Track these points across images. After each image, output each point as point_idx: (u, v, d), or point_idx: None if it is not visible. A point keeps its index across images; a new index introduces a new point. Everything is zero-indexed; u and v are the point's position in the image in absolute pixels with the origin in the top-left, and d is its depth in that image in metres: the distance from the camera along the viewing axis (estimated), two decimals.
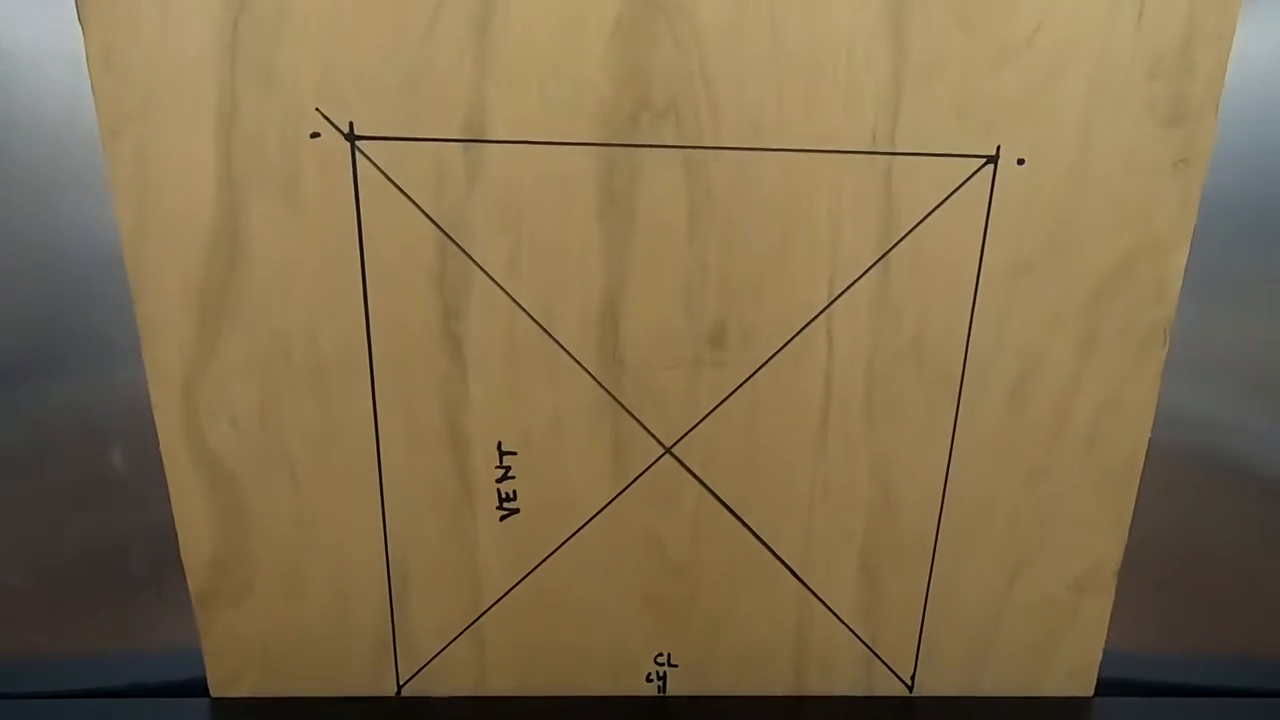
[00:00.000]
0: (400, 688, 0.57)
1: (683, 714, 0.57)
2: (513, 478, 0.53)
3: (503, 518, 0.54)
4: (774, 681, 0.59)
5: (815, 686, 0.59)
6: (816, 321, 0.50)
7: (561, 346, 0.50)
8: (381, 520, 0.53)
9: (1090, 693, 0.60)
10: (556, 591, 0.55)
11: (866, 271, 0.49)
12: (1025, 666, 0.59)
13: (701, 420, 0.52)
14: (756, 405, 0.52)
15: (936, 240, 0.49)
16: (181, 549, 0.53)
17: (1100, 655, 0.59)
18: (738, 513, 0.54)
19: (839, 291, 0.49)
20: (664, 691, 0.59)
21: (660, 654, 0.58)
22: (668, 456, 0.53)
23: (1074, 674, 0.59)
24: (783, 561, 0.55)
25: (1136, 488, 0.55)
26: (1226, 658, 0.64)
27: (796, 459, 0.53)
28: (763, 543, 0.55)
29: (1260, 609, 0.64)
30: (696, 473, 0.53)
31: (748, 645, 0.57)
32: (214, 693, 0.57)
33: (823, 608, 0.57)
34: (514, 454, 0.52)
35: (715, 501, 0.54)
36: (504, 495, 0.53)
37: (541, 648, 0.57)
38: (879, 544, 0.55)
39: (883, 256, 0.49)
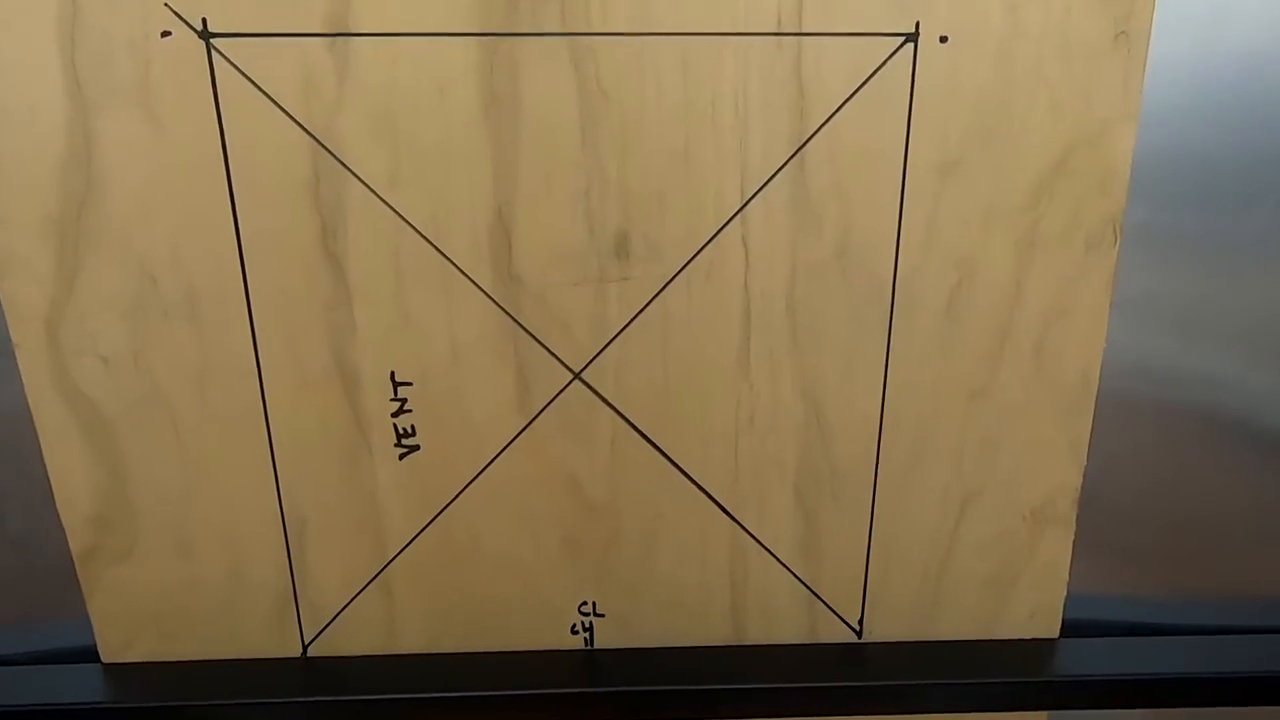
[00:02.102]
0: (305, 648, 0.54)
1: (613, 667, 0.53)
2: (409, 411, 0.49)
3: (402, 456, 0.50)
4: (711, 630, 0.54)
5: (755, 634, 0.55)
6: (729, 229, 0.46)
7: (453, 263, 0.46)
8: (271, 465, 0.49)
9: (1055, 633, 0.56)
10: (467, 537, 0.51)
11: (779, 170, 0.45)
12: (982, 607, 0.55)
13: (611, 342, 0.48)
14: (669, 324, 0.47)
15: (856, 133, 0.44)
16: (58, 504, 0.49)
17: (1064, 593, 0.55)
18: (658, 444, 0.50)
19: (751, 194, 0.45)
20: (591, 644, 0.54)
21: (585, 603, 0.54)
22: (577, 383, 0.49)
23: (1036, 613, 0.55)
24: (710, 496, 0.51)
25: (1092, 406, 0.50)
26: (1203, 596, 0.60)
27: (718, 382, 0.49)
28: (687, 476, 0.51)
29: (1236, 546, 0.60)
30: (610, 400, 0.49)
31: (680, 591, 0.53)
32: (105, 658, 0.53)
33: (758, 548, 0.53)
34: (409, 385, 0.48)
35: (633, 432, 0.50)
36: (401, 431, 0.49)
37: (455, 599, 0.53)
38: (814, 475, 0.51)
39: (797, 153, 0.44)
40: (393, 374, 0.48)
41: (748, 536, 0.52)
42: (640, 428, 0.50)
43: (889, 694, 0.53)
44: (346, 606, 0.53)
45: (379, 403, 0.48)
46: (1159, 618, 0.58)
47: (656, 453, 0.50)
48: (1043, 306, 0.48)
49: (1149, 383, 0.53)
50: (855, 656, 0.54)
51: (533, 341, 0.47)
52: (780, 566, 0.53)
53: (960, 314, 0.48)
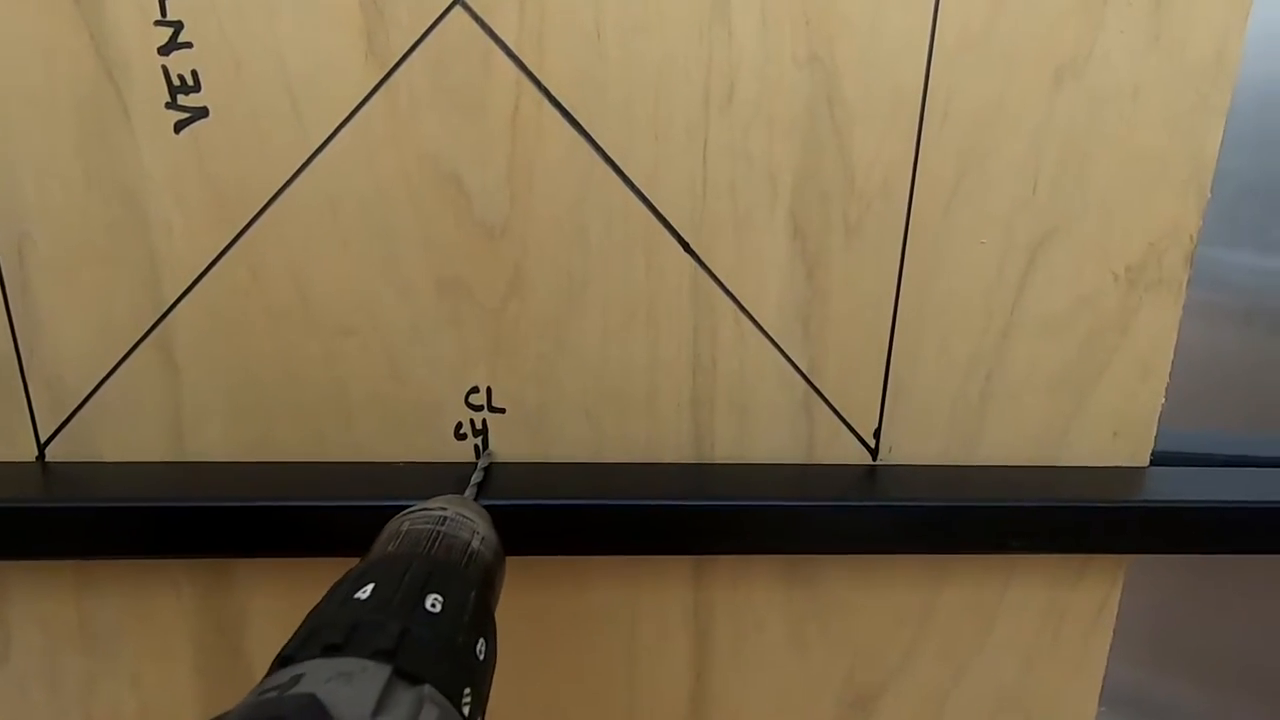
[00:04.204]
0: (42, 449, 0.36)
1: (518, 484, 0.36)
2: (187, 45, 0.31)
3: (180, 125, 0.32)
4: (659, 437, 0.37)
5: (725, 448, 0.37)
6: None
7: None
8: None
9: (1144, 461, 0.40)
10: (286, 270, 0.33)
11: None
12: (1047, 416, 0.38)
13: None
14: None
15: None
16: None
17: (1162, 398, 0.39)
18: (584, 125, 0.33)
19: None
20: (483, 453, 0.37)
21: (474, 389, 0.36)
22: (459, 13, 0.31)
23: (1122, 430, 0.39)
24: (662, 218, 0.34)
25: (1228, 99, 0.35)
26: None
27: (678, 24, 0.32)
28: (627, 181, 0.33)
29: None
30: (510, 45, 0.32)
31: (614, 372, 0.36)
32: None
33: (732, 308, 0.35)
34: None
35: (546, 103, 0.33)
36: (177, 81, 0.31)
37: (273, 376, 0.35)
38: (820, 191, 0.34)
39: None
40: None
41: (717, 289, 0.35)
42: (557, 96, 0.33)
43: (911, 528, 0.37)
44: (102, 385, 0.35)
45: (137, 29, 0.31)
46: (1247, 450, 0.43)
47: (581, 139, 0.33)
48: None
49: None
50: (868, 485, 0.38)
51: None
52: (765, 341, 0.36)
53: None
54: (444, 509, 0.26)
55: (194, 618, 0.38)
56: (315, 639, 0.19)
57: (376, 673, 0.18)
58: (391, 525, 0.26)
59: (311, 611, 0.21)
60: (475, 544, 0.25)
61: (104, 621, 0.38)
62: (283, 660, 0.19)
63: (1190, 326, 0.37)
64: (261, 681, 0.18)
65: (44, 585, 0.37)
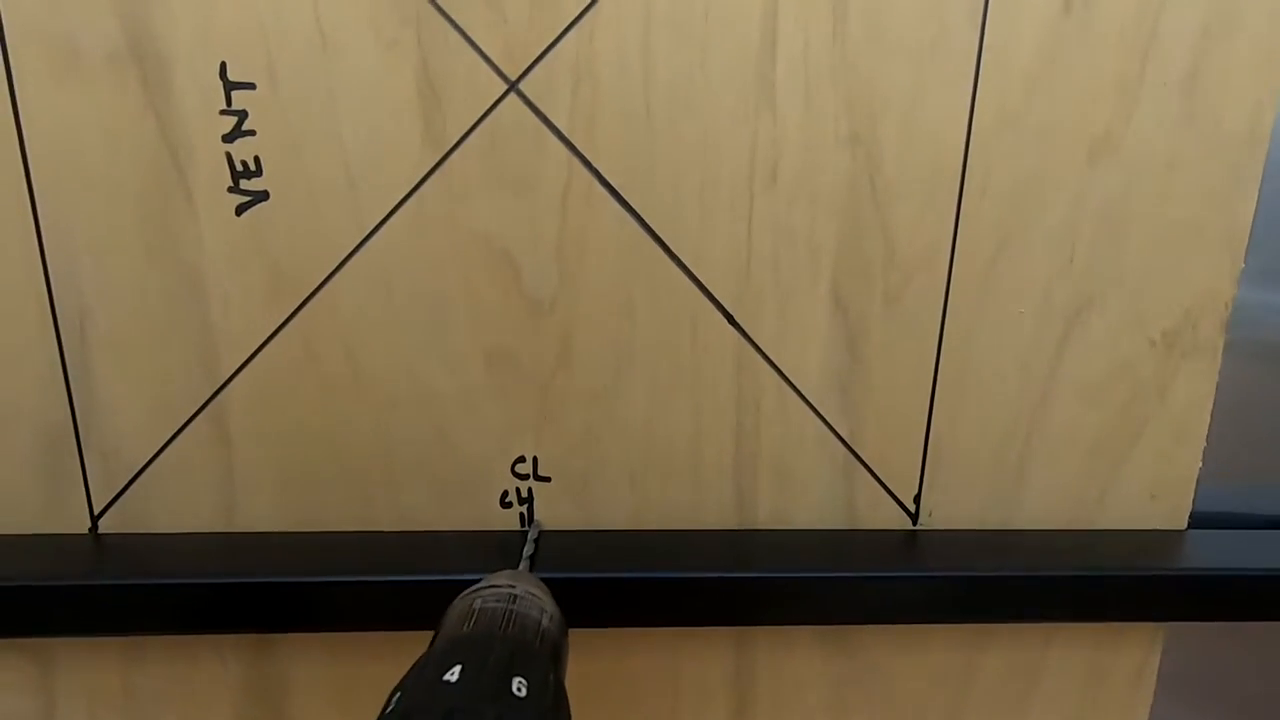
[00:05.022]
0: (96, 521, 0.36)
1: (566, 553, 0.36)
2: (250, 134, 0.32)
3: (241, 208, 0.33)
4: (703, 504, 0.37)
5: (767, 514, 0.38)
6: None
7: None
8: (33, 216, 0.32)
9: (1182, 524, 0.40)
10: (339, 346, 0.34)
11: None
12: (1085, 478, 0.38)
13: (566, 32, 0.32)
14: (653, 9, 0.32)
15: None
16: None
17: (1199, 460, 0.39)
18: (632, 205, 0.34)
19: None
20: (529, 521, 0.38)
21: (520, 459, 0.37)
22: (513, 100, 0.32)
23: (1160, 493, 0.39)
24: (707, 292, 0.34)
25: (1261, 170, 0.35)
26: None
27: (725, 108, 0.33)
28: (675, 259, 0.34)
29: None
30: (563, 131, 0.33)
31: (659, 442, 0.37)
32: None
33: (775, 378, 0.36)
34: (249, 88, 0.32)
35: (596, 184, 0.33)
36: (240, 166, 0.32)
37: (325, 447, 0.36)
38: (861, 263, 0.34)
39: None
40: (223, 67, 0.31)
41: (760, 359, 0.36)
42: (606, 176, 0.33)
43: (951, 598, 0.37)
44: (156, 457, 0.35)
45: (202, 116, 0.32)
46: None
47: (629, 216, 0.34)
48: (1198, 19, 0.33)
49: None
50: (909, 550, 0.38)
51: (446, 24, 0.31)
52: (806, 409, 0.37)
53: (1082, 10, 0.33)
54: (512, 586, 0.26)
55: (237, 689, 0.38)
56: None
57: None
58: (462, 603, 0.26)
59: (398, 691, 0.21)
60: (545, 622, 0.25)
61: (149, 692, 0.38)
62: None
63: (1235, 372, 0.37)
64: None
65: (91, 657, 0.37)
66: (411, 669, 0.22)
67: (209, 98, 0.31)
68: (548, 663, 0.23)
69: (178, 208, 0.32)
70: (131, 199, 0.32)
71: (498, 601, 0.25)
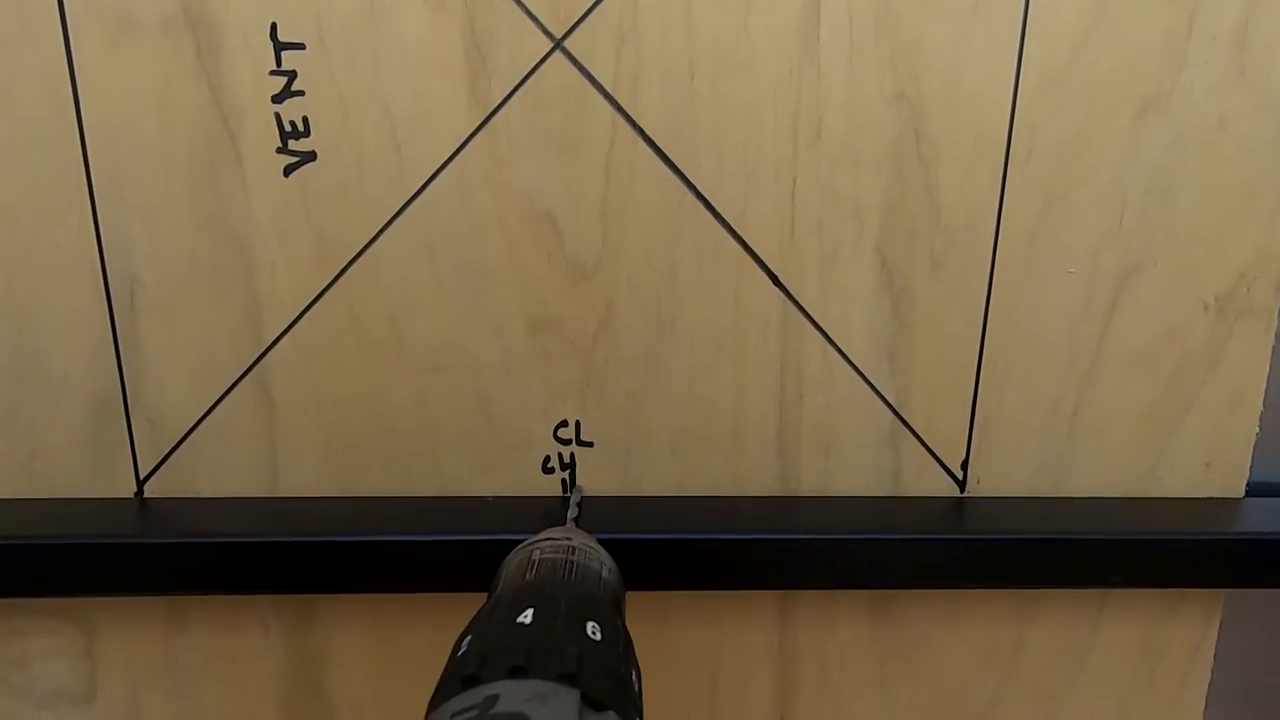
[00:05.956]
0: (141, 485, 0.36)
1: (611, 516, 0.36)
2: (301, 94, 0.32)
3: (289, 169, 0.33)
4: (745, 471, 0.37)
5: (810, 481, 0.37)
6: None
7: None
8: (87, 185, 0.33)
9: (1239, 491, 0.39)
10: (383, 311, 0.34)
11: None
12: (1137, 447, 0.37)
13: None
14: None
15: None
16: None
17: (1256, 427, 0.38)
18: (677, 165, 0.34)
19: None
20: (571, 487, 0.38)
21: (563, 423, 0.37)
22: (559, 58, 0.33)
23: (1214, 461, 0.38)
24: (752, 252, 0.35)
25: None
26: None
27: (767, 65, 0.33)
28: (720, 219, 0.34)
29: None
30: (609, 90, 0.33)
31: (702, 409, 0.37)
32: None
33: (820, 341, 0.36)
34: (298, 48, 0.32)
35: (641, 143, 0.33)
36: (289, 126, 0.33)
37: (369, 410, 0.36)
38: (907, 225, 0.34)
39: None
40: (274, 28, 0.32)
41: (804, 323, 0.35)
42: (650, 135, 0.33)
43: (1000, 561, 0.36)
44: (201, 423, 0.35)
45: (252, 78, 0.32)
46: None
47: (674, 176, 0.34)
48: None
49: None
50: (956, 514, 0.38)
51: None
52: (852, 374, 0.36)
53: None
54: (569, 539, 0.26)
55: (279, 655, 0.38)
56: (497, 660, 0.19)
57: (567, 696, 0.18)
58: (520, 554, 0.26)
59: (467, 634, 0.21)
60: (604, 573, 0.25)
61: (190, 659, 0.38)
62: (466, 680, 0.19)
63: None
64: (440, 699, 0.18)
65: (134, 621, 0.37)
66: (478, 615, 0.22)
67: (260, 59, 0.31)
68: (613, 610, 0.23)
69: (227, 173, 0.32)
70: (182, 165, 0.32)
71: (556, 553, 0.25)
